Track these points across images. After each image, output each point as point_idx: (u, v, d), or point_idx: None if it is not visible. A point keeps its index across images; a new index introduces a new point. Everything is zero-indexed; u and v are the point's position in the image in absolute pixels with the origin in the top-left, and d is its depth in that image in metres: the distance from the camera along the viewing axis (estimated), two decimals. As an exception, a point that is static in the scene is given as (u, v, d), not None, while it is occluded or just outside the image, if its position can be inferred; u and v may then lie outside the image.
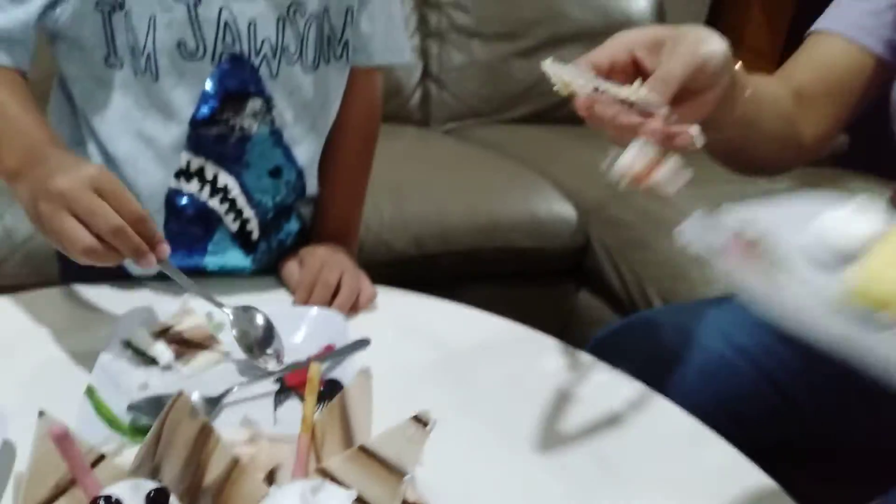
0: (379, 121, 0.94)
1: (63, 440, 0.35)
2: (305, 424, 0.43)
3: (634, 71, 0.58)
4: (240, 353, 0.70)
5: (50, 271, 0.92)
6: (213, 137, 0.79)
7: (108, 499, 0.32)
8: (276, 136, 0.82)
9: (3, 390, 0.59)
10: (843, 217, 0.51)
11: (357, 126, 0.90)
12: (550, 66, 0.55)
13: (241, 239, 0.85)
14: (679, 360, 0.84)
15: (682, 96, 0.56)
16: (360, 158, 0.93)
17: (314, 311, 0.77)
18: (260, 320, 0.71)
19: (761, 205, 0.53)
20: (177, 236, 0.80)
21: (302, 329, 0.75)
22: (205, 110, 0.78)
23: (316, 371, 0.44)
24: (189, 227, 0.81)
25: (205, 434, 0.40)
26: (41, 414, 0.36)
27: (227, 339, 0.72)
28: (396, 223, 1.40)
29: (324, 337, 0.73)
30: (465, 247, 1.45)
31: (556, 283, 1.61)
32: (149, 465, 0.38)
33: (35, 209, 0.61)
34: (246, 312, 0.71)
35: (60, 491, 0.37)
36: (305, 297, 0.79)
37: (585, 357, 0.82)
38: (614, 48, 0.58)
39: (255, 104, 0.79)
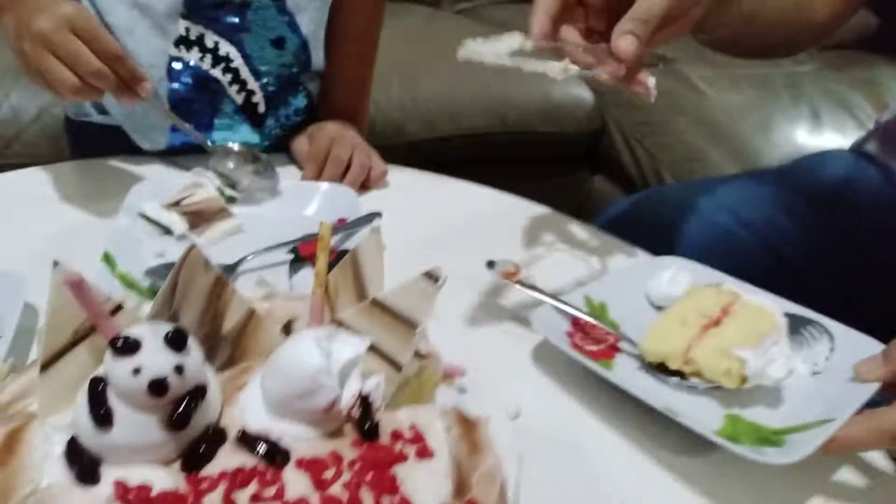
0: None
1: (79, 287, 0.35)
2: (318, 280, 0.43)
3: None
4: (253, 225, 0.71)
5: (59, 148, 0.92)
6: (210, 3, 0.76)
7: (126, 338, 0.33)
8: (279, 2, 0.79)
9: (21, 257, 0.60)
10: (663, 282, 0.64)
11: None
12: (470, 52, 0.56)
13: (248, 113, 0.83)
14: (686, 234, 0.85)
15: (663, 22, 0.54)
16: (367, 30, 0.90)
17: (326, 185, 0.77)
18: (261, 157, 0.76)
19: (599, 281, 0.66)
20: (183, 110, 0.79)
21: (314, 203, 0.75)
22: None
23: (326, 228, 0.44)
24: (193, 98, 0.80)
25: (220, 285, 0.40)
26: (55, 264, 0.36)
27: (239, 211, 0.72)
28: (407, 104, 1.37)
29: (336, 211, 0.73)
30: (478, 129, 1.42)
31: (571, 169, 1.59)
32: (166, 314, 0.39)
33: (19, 46, 0.62)
34: (245, 148, 0.76)
35: (80, 338, 0.37)
36: (316, 173, 0.79)
37: (596, 231, 0.82)
38: None
39: None
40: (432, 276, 0.42)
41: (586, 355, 0.56)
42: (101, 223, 0.68)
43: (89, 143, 0.83)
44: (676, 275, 0.65)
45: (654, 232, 0.84)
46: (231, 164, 0.76)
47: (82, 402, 0.34)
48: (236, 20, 0.78)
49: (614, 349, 0.59)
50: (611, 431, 0.54)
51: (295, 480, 0.34)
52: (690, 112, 1.42)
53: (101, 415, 0.33)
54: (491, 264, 0.64)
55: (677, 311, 0.60)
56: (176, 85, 0.79)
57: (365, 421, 0.37)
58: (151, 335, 0.34)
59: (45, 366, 0.37)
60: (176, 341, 0.34)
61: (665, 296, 0.64)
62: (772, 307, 0.59)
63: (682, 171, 1.35)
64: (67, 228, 0.68)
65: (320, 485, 0.34)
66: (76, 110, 0.84)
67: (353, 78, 0.91)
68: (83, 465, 0.33)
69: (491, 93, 1.43)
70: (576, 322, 0.60)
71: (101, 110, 0.82)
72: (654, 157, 1.41)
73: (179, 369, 0.33)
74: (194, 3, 0.76)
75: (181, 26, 0.77)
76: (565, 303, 0.60)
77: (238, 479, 0.34)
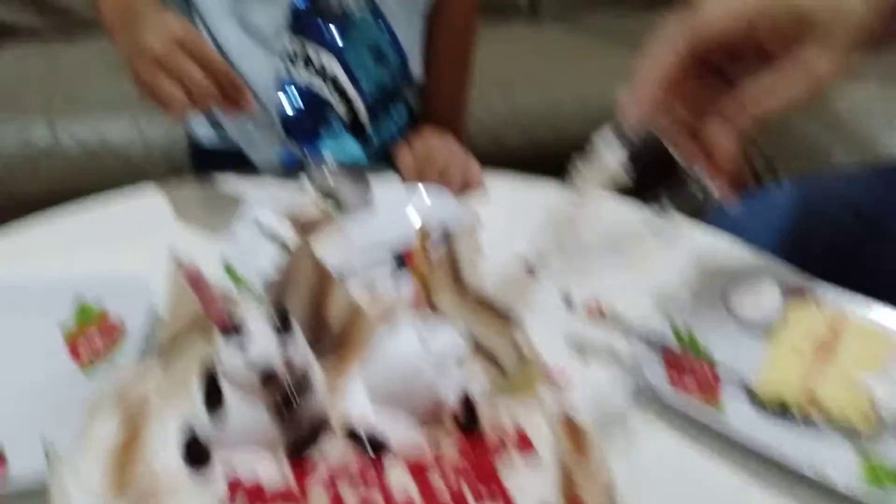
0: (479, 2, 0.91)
1: (195, 278, 0.38)
2: (417, 273, 0.43)
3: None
4: (359, 234, 0.73)
5: (184, 176, 0.98)
6: (313, 19, 0.80)
7: (236, 324, 0.35)
8: (377, 16, 0.82)
9: (146, 263, 0.64)
10: (750, 296, 0.60)
11: (457, 5, 0.88)
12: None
13: (353, 126, 0.86)
14: (798, 234, 0.79)
15: None
16: (462, 40, 0.91)
17: (426, 191, 0.78)
18: (357, 170, 0.78)
19: (683, 301, 0.61)
20: (292, 125, 0.83)
21: (413, 208, 0.76)
22: None
23: (425, 227, 0.44)
24: (301, 114, 0.84)
25: (325, 279, 0.42)
26: (174, 257, 0.39)
27: (345, 220, 0.75)
28: (507, 116, 1.37)
29: (436, 216, 0.73)
30: (578, 135, 1.39)
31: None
32: (275, 306, 0.41)
33: (129, 64, 0.66)
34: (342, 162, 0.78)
35: (196, 328, 0.40)
36: (415, 179, 0.80)
37: (702, 232, 0.78)
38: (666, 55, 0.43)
39: None
40: (528, 268, 0.42)
41: (691, 395, 0.52)
42: (220, 232, 0.72)
43: (210, 164, 0.88)
44: (763, 288, 0.60)
45: (765, 232, 0.79)
46: (329, 177, 0.78)
47: (196, 387, 0.35)
48: (338, 36, 0.81)
49: (716, 379, 0.54)
50: (724, 460, 0.50)
51: (397, 474, 0.35)
52: (808, 107, 1.33)
53: (213, 400, 0.35)
54: (568, 301, 0.59)
55: (785, 339, 0.55)
56: (284, 102, 0.83)
57: (466, 413, 0.37)
58: (260, 322, 0.35)
59: (163, 354, 0.39)
60: (283, 328, 0.35)
61: (758, 319, 0.59)
62: (882, 322, 0.54)
63: (799, 171, 1.27)
64: (189, 239, 0.73)
65: (422, 482, 0.34)
66: (198, 132, 0.90)
67: (451, 88, 0.92)
68: (195, 447, 0.35)
69: (590, 100, 1.41)
70: (668, 355, 0.55)
71: (220, 131, 0.88)
72: (769, 158, 1.33)
73: (286, 356, 0.35)
74: (299, 22, 0.80)
75: (287, 44, 0.81)
76: (654, 337, 0.56)
77: (342, 471, 0.34)
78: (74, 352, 0.55)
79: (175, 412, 0.37)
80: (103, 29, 0.72)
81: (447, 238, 0.67)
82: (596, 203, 0.47)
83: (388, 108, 0.88)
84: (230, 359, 0.34)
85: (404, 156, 0.85)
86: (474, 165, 0.83)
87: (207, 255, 0.66)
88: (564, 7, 1.90)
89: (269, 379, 0.34)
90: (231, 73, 0.66)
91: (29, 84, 1.37)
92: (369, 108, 0.86)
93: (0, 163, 1.24)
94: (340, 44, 0.81)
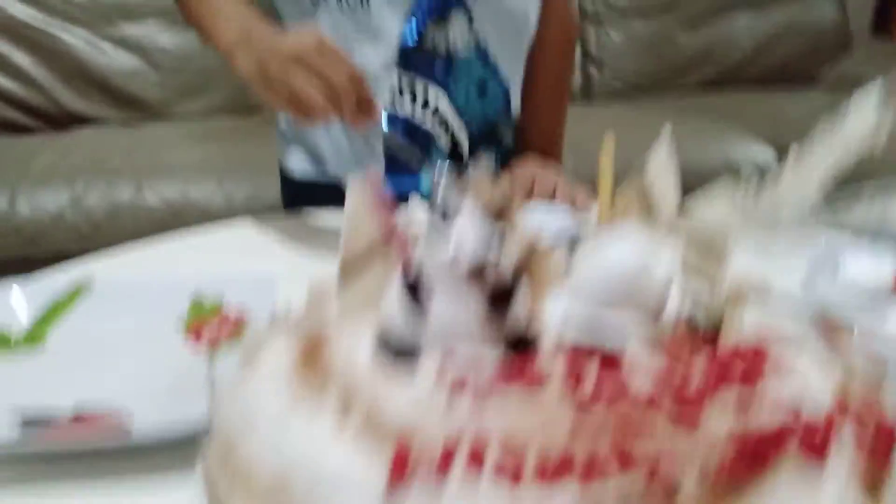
0: (575, 38, 0.93)
1: (377, 189, 0.35)
2: (603, 209, 0.40)
3: None
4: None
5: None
6: (421, 56, 0.80)
7: (445, 210, 0.31)
8: (481, 52, 0.83)
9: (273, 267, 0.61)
10: (865, 262, 0.55)
11: (554, 43, 0.90)
12: None
13: (453, 159, 0.85)
14: None
15: None
16: (560, 76, 0.92)
17: (538, 204, 0.75)
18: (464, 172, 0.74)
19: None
20: (395, 158, 0.82)
21: (530, 219, 0.73)
22: (412, 30, 0.80)
23: (609, 141, 0.41)
24: (406, 146, 0.83)
25: (504, 210, 0.38)
26: (354, 177, 0.36)
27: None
28: (577, 175, 1.36)
29: (552, 226, 0.70)
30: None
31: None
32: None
33: (263, 71, 0.65)
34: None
35: (376, 247, 0.36)
36: (525, 196, 0.78)
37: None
38: None
39: (459, 21, 0.80)
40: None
41: None
42: (326, 259, 0.69)
43: (302, 199, 0.87)
44: (876, 254, 0.57)
45: None
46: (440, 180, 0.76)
47: (396, 288, 0.31)
48: (444, 71, 0.82)
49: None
50: None
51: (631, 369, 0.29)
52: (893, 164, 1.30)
53: (420, 297, 0.30)
54: None
55: None
56: (391, 135, 0.83)
57: (695, 328, 0.32)
58: (468, 212, 0.32)
59: (344, 278, 0.35)
60: (492, 219, 0.31)
61: (873, 277, 0.54)
62: None
63: None
64: (295, 261, 0.70)
65: (665, 375, 0.29)
66: (293, 166, 0.90)
67: (549, 123, 0.92)
68: (397, 345, 0.30)
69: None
70: (820, 321, 0.50)
71: (319, 164, 0.87)
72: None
73: (498, 247, 0.31)
74: (406, 59, 0.81)
75: (395, 79, 0.81)
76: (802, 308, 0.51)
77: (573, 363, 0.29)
78: (196, 338, 0.51)
79: (367, 321, 0.32)
80: (218, 52, 0.72)
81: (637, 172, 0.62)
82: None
83: (489, 141, 0.87)
84: (439, 248, 0.30)
85: (508, 183, 0.83)
86: (581, 188, 0.81)
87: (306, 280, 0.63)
88: (616, 93, 1.96)
89: (479, 273, 0.30)
90: (365, 82, 0.66)
91: (116, 150, 1.41)
92: (471, 141, 0.85)
93: (85, 218, 1.25)
94: (446, 79, 0.82)
